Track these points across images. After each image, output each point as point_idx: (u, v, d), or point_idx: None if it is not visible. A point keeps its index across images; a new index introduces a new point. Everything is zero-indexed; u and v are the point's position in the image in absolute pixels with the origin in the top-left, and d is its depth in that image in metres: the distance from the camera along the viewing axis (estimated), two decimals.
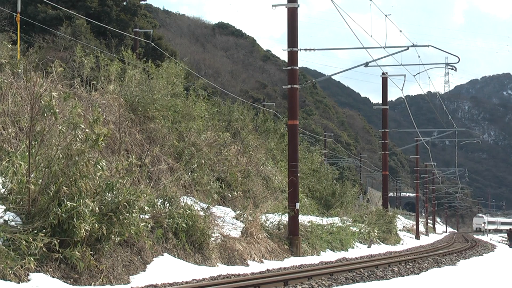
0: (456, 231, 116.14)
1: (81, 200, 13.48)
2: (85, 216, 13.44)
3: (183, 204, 19.16)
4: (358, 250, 31.90)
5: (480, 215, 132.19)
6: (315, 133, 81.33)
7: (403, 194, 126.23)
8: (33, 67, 19.06)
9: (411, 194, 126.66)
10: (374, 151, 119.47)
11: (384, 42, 34.54)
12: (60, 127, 14.12)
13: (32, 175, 13.68)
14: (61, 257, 13.39)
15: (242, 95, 72.01)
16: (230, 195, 26.43)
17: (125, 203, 14.46)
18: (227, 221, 21.98)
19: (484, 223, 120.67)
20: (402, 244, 44.74)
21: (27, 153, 13.85)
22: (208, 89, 49.08)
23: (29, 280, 12.48)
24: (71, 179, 13.58)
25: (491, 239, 71.67)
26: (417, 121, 78.31)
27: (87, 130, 14.12)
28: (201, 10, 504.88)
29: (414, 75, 43.78)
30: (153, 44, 38.48)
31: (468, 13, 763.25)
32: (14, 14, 28.61)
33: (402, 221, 74.11)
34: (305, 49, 29.43)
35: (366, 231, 37.18)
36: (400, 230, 54.88)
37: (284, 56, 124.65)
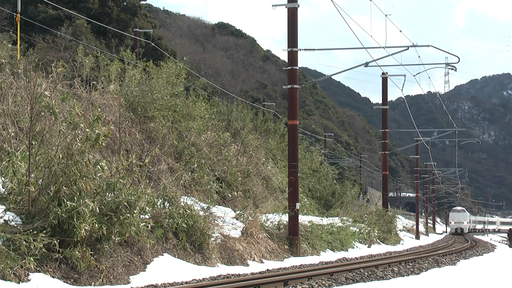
0: None
1: (81, 200, 13.48)
2: (85, 216, 13.44)
3: (183, 204, 19.17)
4: (358, 250, 31.90)
5: (458, 208, 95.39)
6: (315, 133, 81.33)
7: (403, 194, 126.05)
8: (33, 67, 19.06)
9: (411, 194, 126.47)
10: (374, 151, 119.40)
11: (384, 42, 34.47)
12: (60, 127, 14.12)
13: (32, 175, 13.68)
14: (61, 257, 13.39)
15: (242, 95, 72.01)
16: (230, 195, 26.43)
17: (125, 203, 14.46)
18: (227, 221, 21.98)
19: (468, 221, 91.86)
20: (402, 244, 44.74)
21: (27, 153, 13.85)
22: (208, 89, 49.07)
23: (29, 280, 12.48)
24: (71, 179, 13.58)
25: (491, 239, 71.64)
26: (417, 121, 78.33)
27: (87, 129, 14.11)
28: (205, 10, 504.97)
29: (414, 75, 43.75)
30: (153, 44, 38.46)
31: (469, 15, 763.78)
32: (14, 14, 28.61)
33: (402, 221, 74.13)
34: (305, 49, 29.44)
35: (366, 231, 37.17)
36: (400, 230, 54.90)
37: (284, 56, 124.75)
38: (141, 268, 15.84)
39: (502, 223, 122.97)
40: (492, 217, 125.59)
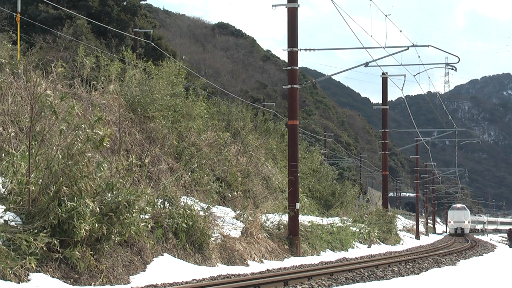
0: None
1: (81, 200, 13.48)
2: (85, 216, 13.44)
3: (183, 204, 19.17)
4: (358, 250, 31.90)
5: (458, 205, 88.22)
6: (315, 133, 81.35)
7: (403, 194, 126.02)
8: (33, 67, 19.06)
9: (411, 194, 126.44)
10: (374, 151, 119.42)
11: (384, 42, 34.50)
12: (60, 127, 14.12)
13: (32, 175, 13.67)
14: (61, 257, 13.39)
15: (242, 95, 72.04)
16: (230, 195, 26.43)
17: (125, 203, 14.46)
18: (227, 221, 21.98)
19: (469, 221, 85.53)
20: (402, 244, 44.73)
21: (27, 153, 13.84)
22: (208, 89, 49.07)
23: (29, 280, 12.48)
24: (71, 179, 13.58)
25: (491, 239, 71.62)
26: (417, 121, 78.35)
27: (87, 130, 14.11)
28: (205, 10, 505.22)
29: (414, 75, 43.75)
30: (153, 44, 38.46)
31: (469, 15, 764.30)
32: (14, 14, 28.60)
33: (402, 221, 74.09)
34: (305, 49, 29.44)
35: (366, 231, 37.17)
36: (400, 230, 54.89)
37: (284, 56, 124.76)
38: (141, 268, 15.84)
39: (489, 223, 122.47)
40: (480, 216, 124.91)
